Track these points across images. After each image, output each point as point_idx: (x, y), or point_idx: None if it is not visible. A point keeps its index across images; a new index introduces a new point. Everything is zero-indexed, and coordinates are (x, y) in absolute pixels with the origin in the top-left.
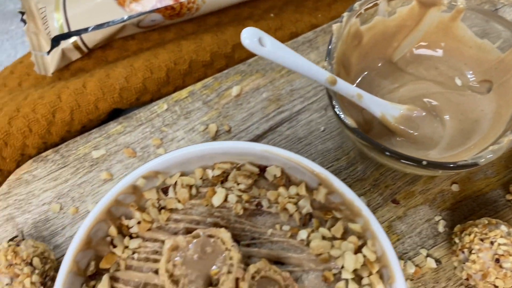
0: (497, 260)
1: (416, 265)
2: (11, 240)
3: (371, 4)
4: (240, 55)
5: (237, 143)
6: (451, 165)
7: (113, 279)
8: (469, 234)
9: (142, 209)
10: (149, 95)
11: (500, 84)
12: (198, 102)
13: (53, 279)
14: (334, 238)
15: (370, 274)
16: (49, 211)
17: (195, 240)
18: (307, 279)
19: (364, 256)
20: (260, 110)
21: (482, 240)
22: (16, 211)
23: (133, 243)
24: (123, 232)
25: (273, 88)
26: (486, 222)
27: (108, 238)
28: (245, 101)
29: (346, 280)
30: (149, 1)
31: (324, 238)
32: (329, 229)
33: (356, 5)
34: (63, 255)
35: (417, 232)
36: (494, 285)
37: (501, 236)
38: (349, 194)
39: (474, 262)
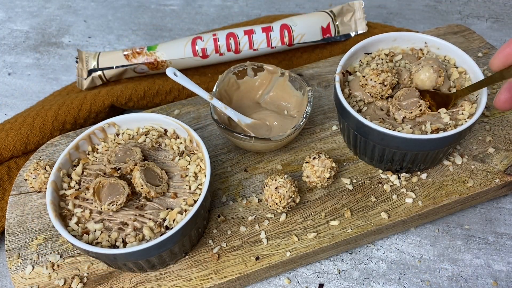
0: (276, 188)
1: (248, 201)
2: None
3: (241, 69)
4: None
5: (154, 115)
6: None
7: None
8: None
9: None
10: (132, 102)
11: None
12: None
13: None
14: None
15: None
16: None
17: (125, 147)
18: (173, 178)
19: (201, 167)
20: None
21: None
22: None
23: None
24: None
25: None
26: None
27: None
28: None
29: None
30: (140, 58)
31: (187, 161)
32: (190, 160)
33: (232, 68)
34: None
35: (253, 186)
36: (275, 203)
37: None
38: (198, 140)
39: (266, 185)
